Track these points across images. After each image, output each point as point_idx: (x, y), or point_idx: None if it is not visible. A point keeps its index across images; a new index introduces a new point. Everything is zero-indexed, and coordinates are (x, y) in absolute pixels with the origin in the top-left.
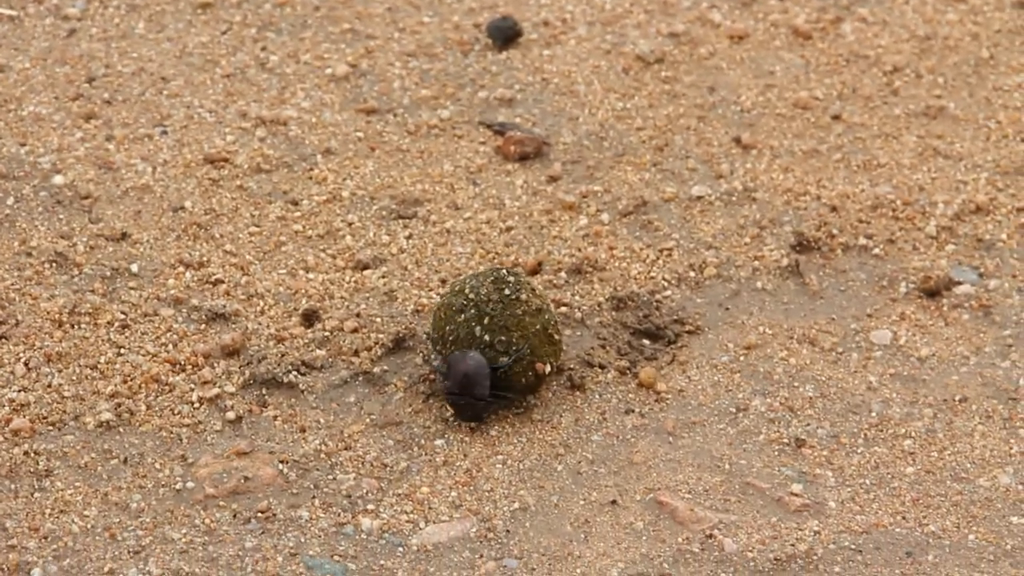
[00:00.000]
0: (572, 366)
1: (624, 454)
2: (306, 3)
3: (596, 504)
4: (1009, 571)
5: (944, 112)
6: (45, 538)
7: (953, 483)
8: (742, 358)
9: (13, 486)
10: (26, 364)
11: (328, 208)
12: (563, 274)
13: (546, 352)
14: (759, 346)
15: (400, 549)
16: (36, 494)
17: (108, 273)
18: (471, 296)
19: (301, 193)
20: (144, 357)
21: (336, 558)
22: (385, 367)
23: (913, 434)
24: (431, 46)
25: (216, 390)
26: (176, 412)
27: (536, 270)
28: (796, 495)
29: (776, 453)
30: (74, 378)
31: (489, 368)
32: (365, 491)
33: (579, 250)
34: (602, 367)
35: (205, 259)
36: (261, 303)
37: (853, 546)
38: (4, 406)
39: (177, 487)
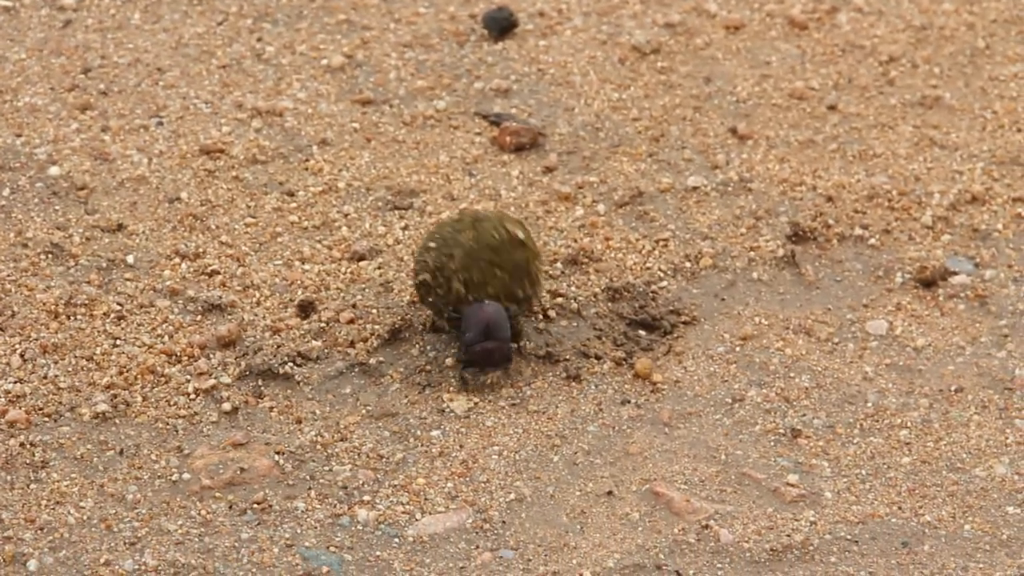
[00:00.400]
0: (568, 357)
1: (620, 445)
2: None
3: (592, 495)
4: (1005, 561)
5: (940, 102)
6: (41, 529)
7: (949, 473)
8: (738, 348)
9: (9, 477)
10: (22, 355)
11: (324, 199)
12: (559, 265)
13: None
14: (755, 336)
15: (396, 540)
16: (32, 485)
17: (104, 264)
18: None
19: (297, 184)
20: (140, 348)
21: (332, 549)
22: (381, 358)
23: (909, 424)
24: (427, 37)
25: (212, 381)
26: (172, 403)
27: None
28: (792, 485)
29: (772, 443)
30: (70, 369)
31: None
32: (361, 482)
33: (575, 241)
34: (598, 358)
35: (201, 250)
36: (257, 294)
37: (849, 536)
38: (0, 397)
39: (173, 478)
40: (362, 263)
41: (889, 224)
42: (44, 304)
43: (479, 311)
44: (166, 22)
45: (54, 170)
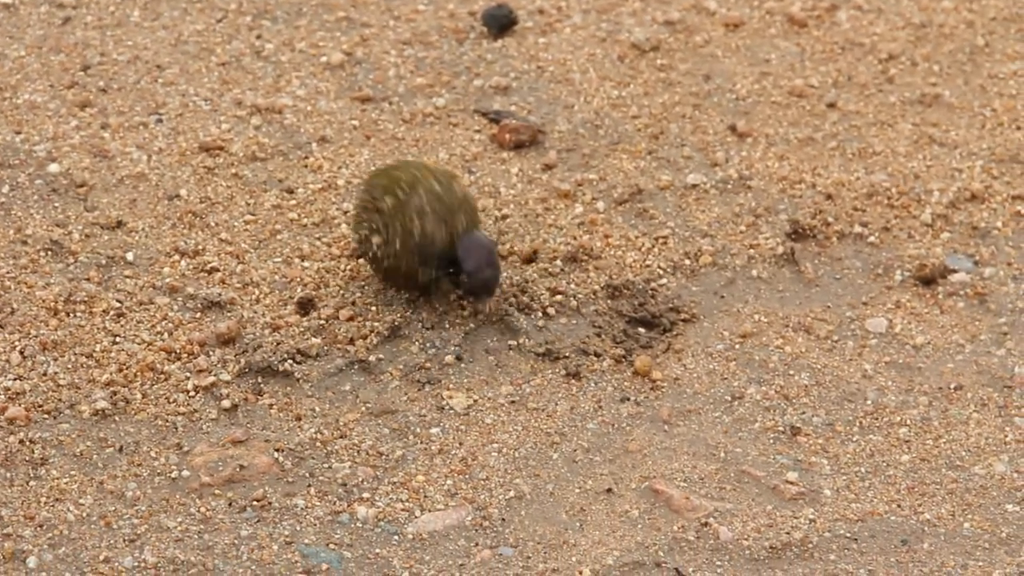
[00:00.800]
0: (567, 354)
1: (619, 442)
2: None
3: (591, 492)
4: (1004, 559)
5: (939, 100)
6: (40, 526)
7: (948, 471)
8: (737, 346)
9: (8, 474)
10: (21, 352)
11: (323, 196)
12: (559, 262)
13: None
14: (754, 334)
15: (396, 537)
16: (32, 482)
17: (103, 261)
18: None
19: (296, 181)
20: (140, 345)
21: (332, 546)
22: (380, 355)
23: (908, 422)
24: (426, 34)
25: (212, 378)
26: (172, 400)
27: (531, 258)
28: (791, 483)
29: (771, 441)
30: (69, 366)
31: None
32: (361, 479)
33: (574, 238)
34: (597, 355)
35: (200, 247)
36: (256, 291)
37: (848, 534)
38: (0, 394)
39: (173, 475)
40: (361, 260)
41: (889, 222)
42: (44, 301)
43: (476, 241)
44: (165, 19)
45: (53, 167)
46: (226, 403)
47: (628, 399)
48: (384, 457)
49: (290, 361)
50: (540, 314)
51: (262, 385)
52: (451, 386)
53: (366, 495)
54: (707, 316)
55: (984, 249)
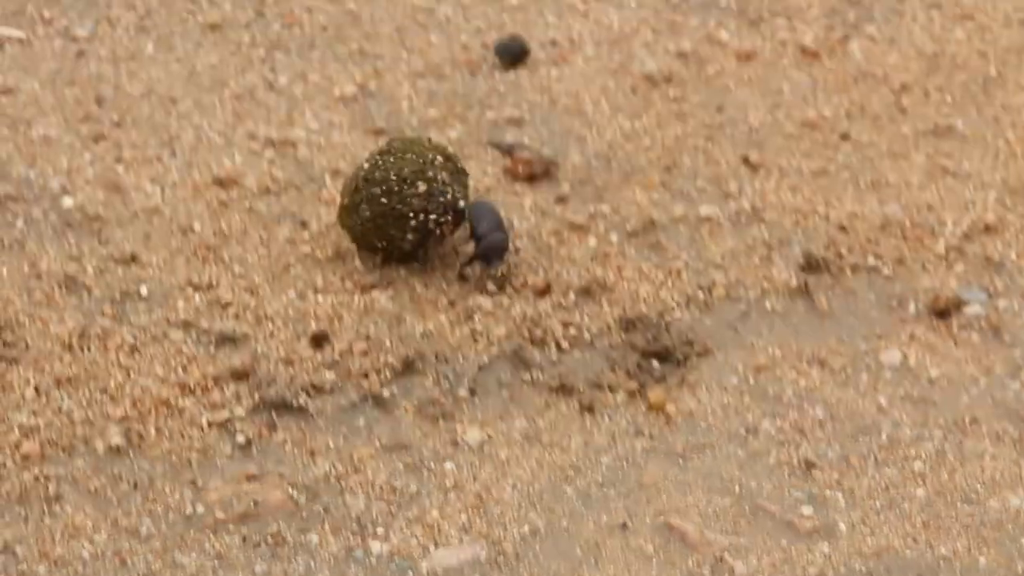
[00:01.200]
0: (581, 388)
1: (634, 477)
2: (314, 23)
3: (606, 527)
4: None
5: (952, 131)
6: (55, 563)
7: (964, 505)
8: (751, 379)
9: (23, 511)
10: (36, 388)
11: (337, 230)
12: (572, 295)
13: None
14: (768, 367)
15: (410, 573)
16: (46, 519)
17: (117, 296)
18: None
19: (310, 215)
20: (154, 381)
21: None
22: (394, 390)
23: (923, 456)
24: (439, 66)
25: (226, 414)
26: (186, 436)
27: (545, 291)
28: (806, 518)
29: (786, 475)
30: (84, 402)
31: None
32: (375, 515)
33: (588, 271)
34: (611, 389)
35: (214, 281)
36: (270, 325)
37: (864, 569)
38: (14, 430)
39: (187, 512)
40: (375, 294)
41: (902, 254)
42: (58, 336)
43: (487, 206)
44: (179, 52)
45: (67, 201)
46: (240, 438)
47: (642, 433)
48: (398, 492)
49: (304, 396)
50: (554, 347)
51: (276, 420)
52: (465, 420)
53: (380, 531)
54: (721, 349)
55: (998, 281)
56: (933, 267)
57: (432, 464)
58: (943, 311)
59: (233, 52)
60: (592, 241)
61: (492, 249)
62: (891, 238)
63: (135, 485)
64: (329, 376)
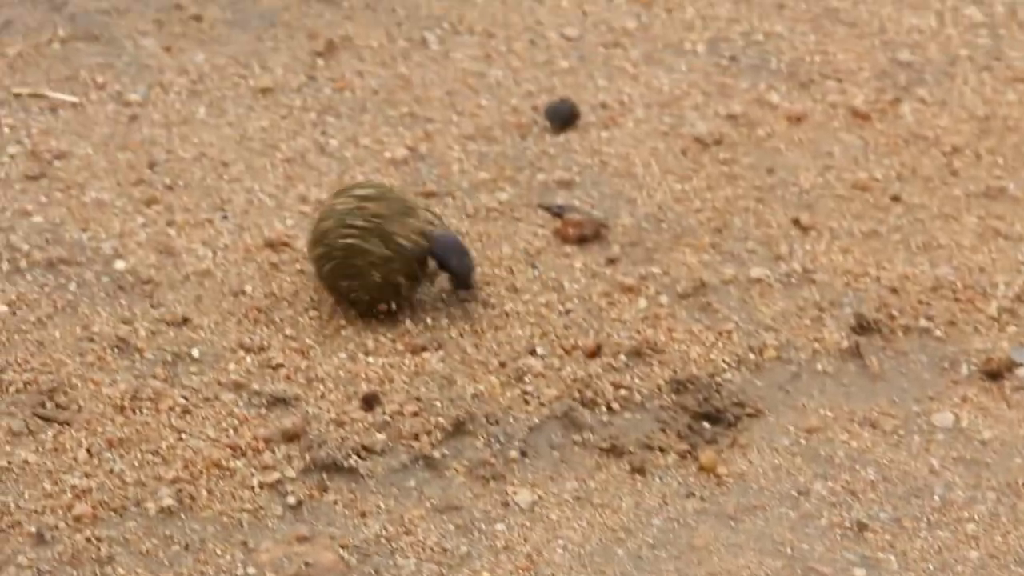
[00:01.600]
0: (632, 449)
1: (685, 538)
2: (365, 87)
3: None
4: None
5: (1004, 193)
6: None
7: (1017, 567)
8: (803, 441)
9: (75, 573)
10: (88, 450)
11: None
12: (623, 357)
13: None
14: (820, 429)
15: None
16: None
17: (169, 358)
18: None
19: None
20: (205, 442)
21: None
22: (445, 451)
23: (976, 518)
24: (489, 129)
25: (277, 475)
26: (237, 497)
27: (595, 353)
28: None
29: (838, 537)
30: (136, 464)
31: None
32: None
33: (638, 332)
34: (662, 450)
35: (265, 343)
36: (321, 387)
37: None
38: (66, 492)
39: (238, 573)
40: (425, 355)
41: (954, 315)
42: (110, 398)
43: (450, 238)
44: (231, 116)
45: (120, 264)
46: (291, 499)
47: (693, 494)
48: (449, 554)
49: (355, 457)
50: (604, 409)
51: (327, 481)
52: (516, 482)
53: None
54: (772, 411)
55: None
56: (985, 329)
57: (483, 525)
58: (995, 373)
59: (284, 116)
60: (642, 302)
61: (467, 279)
62: (943, 300)
63: (186, 546)
64: (380, 437)
